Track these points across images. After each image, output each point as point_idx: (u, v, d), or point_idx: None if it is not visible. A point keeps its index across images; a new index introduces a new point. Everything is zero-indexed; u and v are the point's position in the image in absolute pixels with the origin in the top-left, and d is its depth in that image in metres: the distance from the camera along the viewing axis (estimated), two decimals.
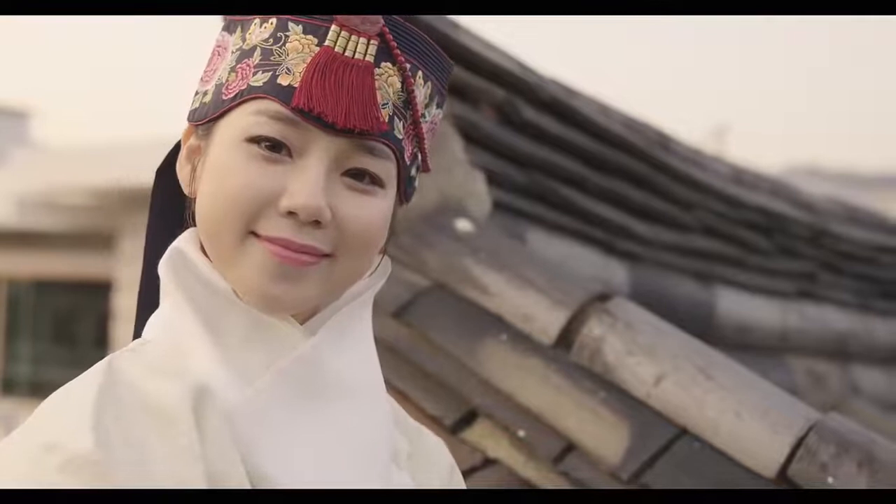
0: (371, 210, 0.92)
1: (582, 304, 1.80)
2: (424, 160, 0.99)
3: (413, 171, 0.98)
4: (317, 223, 0.90)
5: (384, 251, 1.01)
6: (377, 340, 1.03)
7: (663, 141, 3.15)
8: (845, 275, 3.92)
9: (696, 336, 1.84)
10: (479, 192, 2.12)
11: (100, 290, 11.73)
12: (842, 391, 3.40)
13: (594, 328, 1.77)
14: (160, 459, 0.83)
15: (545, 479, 1.67)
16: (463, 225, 1.98)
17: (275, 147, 0.90)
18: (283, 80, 0.90)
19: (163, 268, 0.96)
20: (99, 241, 11.44)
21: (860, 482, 1.54)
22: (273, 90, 0.90)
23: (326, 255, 0.92)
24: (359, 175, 0.92)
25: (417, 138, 0.96)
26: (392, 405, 1.06)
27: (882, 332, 3.94)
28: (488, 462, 1.71)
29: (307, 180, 0.89)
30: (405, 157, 0.95)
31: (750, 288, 3.21)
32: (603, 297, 1.84)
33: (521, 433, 1.70)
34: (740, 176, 3.63)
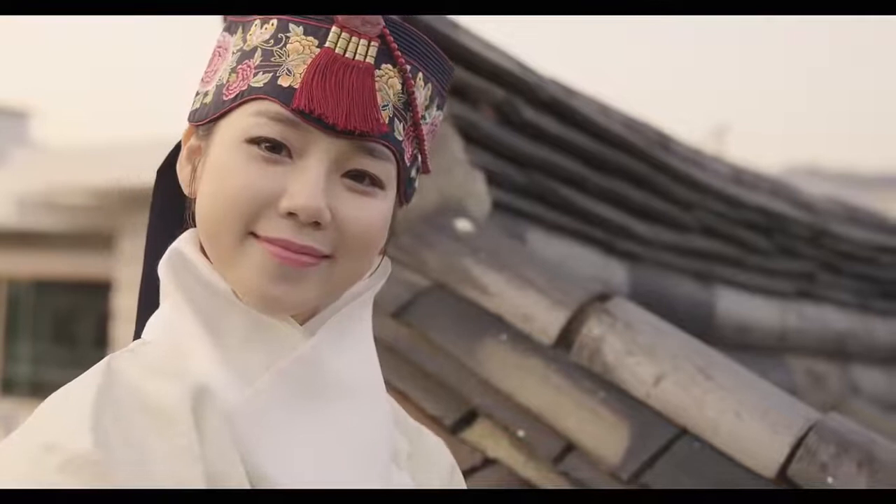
0: (371, 211, 0.93)
1: (582, 304, 1.81)
2: (424, 161, 0.99)
3: (413, 173, 0.98)
4: (317, 224, 0.90)
5: (384, 252, 1.01)
6: (377, 340, 1.03)
7: (663, 141, 3.15)
8: (845, 275, 3.92)
9: (695, 336, 1.84)
10: (478, 192, 2.12)
11: (100, 290, 11.73)
12: (841, 391, 3.40)
13: (594, 328, 1.77)
14: (160, 459, 0.83)
15: (545, 479, 1.67)
16: (463, 225, 1.98)
17: (275, 148, 0.90)
18: (284, 82, 0.90)
19: (162, 269, 0.96)
20: (99, 241, 11.44)
21: (860, 482, 1.54)
22: (273, 91, 0.90)
23: (326, 257, 0.92)
24: (359, 176, 0.92)
25: (417, 140, 0.96)
26: (392, 405, 1.06)
27: (882, 332, 3.94)
28: (488, 462, 1.71)
29: (307, 181, 0.89)
30: (405, 158, 0.95)
31: (749, 288, 3.22)
32: (603, 297, 1.84)
33: (521, 433, 1.70)
34: (740, 176, 3.63)
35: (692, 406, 1.67)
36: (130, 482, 0.80)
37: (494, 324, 1.82)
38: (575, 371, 1.74)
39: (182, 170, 1.00)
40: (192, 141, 0.99)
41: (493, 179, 2.19)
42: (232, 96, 0.92)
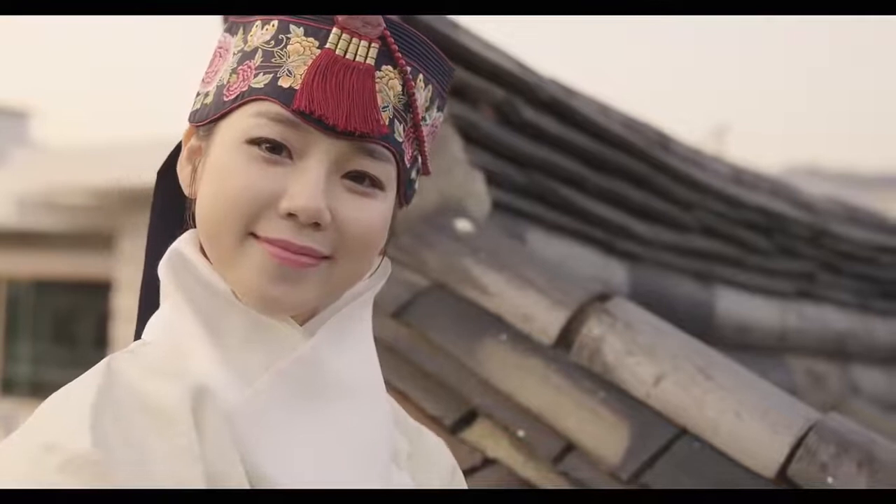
0: (371, 212, 0.93)
1: (581, 304, 1.81)
2: (424, 163, 0.99)
3: (413, 174, 0.98)
4: (316, 225, 0.90)
5: (384, 252, 1.01)
6: (377, 340, 1.03)
7: (663, 141, 3.15)
8: (845, 275, 3.92)
9: (695, 336, 1.84)
10: (478, 193, 2.12)
11: (100, 290, 11.73)
12: (841, 391, 3.40)
13: (594, 328, 1.77)
14: (159, 459, 0.83)
15: (545, 479, 1.67)
16: (463, 225, 1.98)
17: (275, 149, 0.90)
18: (284, 83, 0.90)
19: (162, 269, 0.97)
20: (99, 241, 11.44)
21: (860, 482, 1.54)
22: (274, 92, 0.90)
23: (326, 258, 0.92)
24: (359, 177, 0.92)
25: (418, 141, 0.97)
26: (392, 406, 1.06)
27: (882, 332, 3.94)
28: (488, 462, 1.71)
29: (307, 182, 0.89)
30: (405, 159, 0.95)
31: (749, 288, 3.22)
32: (602, 297, 1.84)
33: (521, 433, 1.70)
34: (740, 176, 3.63)
35: (692, 406, 1.67)
36: (130, 482, 0.80)
37: (494, 324, 1.82)
38: (575, 371, 1.74)
39: (182, 170, 1.00)
40: (193, 141, 0.99)
41: (493, 179, 2.19)
42: (232, 97, 0.93)
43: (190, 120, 0.99)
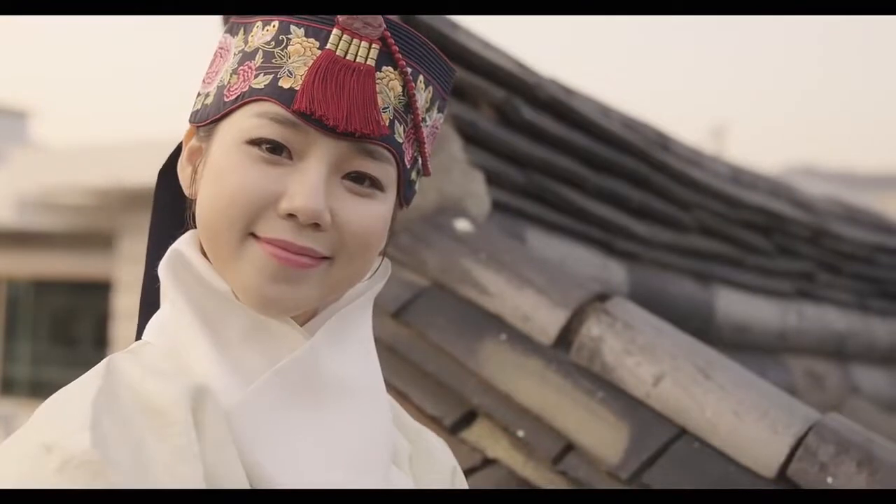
0: (371, 213, 0.93)
1: (581, 304, 1.81)
2: (425, 164, 1.00)
3: (413, 175, 0.98)
4: (316, 226, 0.90)
5: (384, 253, 1.01)
6: (377, 340, 1.03)
7: (662, 141, 3.15)
8: (844, 275, 3.92)
9: (695, 336, 1.84)
10: (478, 192, 2.12)
11: (99, 290, 11.74)
12: (841, 391, 3.40)
13: (593, 328, 1.77)
14: (159, 459, 0.84)
15: (544, 478, 1.67)
16: (462, 225, 1.98)
17: (275, 149, 0.91)
18: (285, 83, 0.90)
19: (162, 269, 0.97)
20: (98, 241, 11.45)
21: (860, 482, 1.54)
22: (274, 93, 0.90)
23: (326, 258, 0.92)
24: (359, 178, 0.92)
25: (418, 142, 0.97)
26: (393, 406, 1.06)
27: (881, 332, 3.94)
28: (487, 462, 1.71)
29: (307, 183, 0.89)
30: (405, 160, 0.95)
31: (749, 288, 3.22)
32: (602, 297, 1.84)
33: (521, 433, 1.71)
34: (739, 176, 3.63)
35: (692, 406, 1.67)
36: (130, 482, 0.80)
37: (494, 324, 1.82)
38: (574, 371, 1.74)
39: (183, 171, 1.00)
40: (193, 142, 0.99)
41: (492, 179, 2.19)
42: (233, 97, 0.93)
43: (190, 120, 0.99)
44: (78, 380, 0.90)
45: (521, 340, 1.79)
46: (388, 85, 0.92)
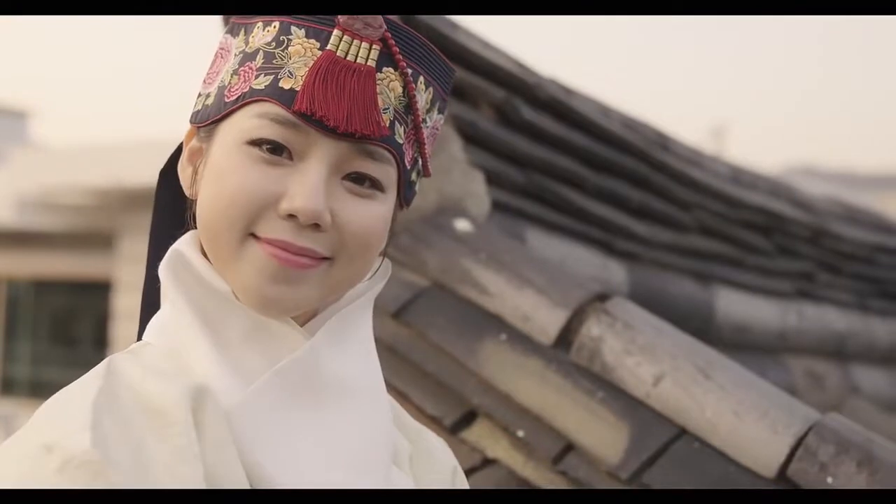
0: (371, 214, 0.93)
1: (581, 303, 1.81)
2: (425, 165, 1.00)
3: (413, 176, 0.98)
4: (316, 226, 0.90)
5: (384, 253, 1.01)
6: (377, 340, 1.03)
7: (662, 141, 3.15)
8: (844, 275, 3.92)
9: (694, 336, 1.84)
10: (478, 192, 2.12)
11: (99, 290, 11.74)
12: (841, 391, 3.40)
13: (593, 328, 1.77)
14: (159, 459, 0.84)
15: (544, 478, 1.67)
16: (462, 225, 1.98)
17: (276, 150, 0.91)
18: (286, 84, 0.90)
19: (163, 270, 0.97)
20: (98, 241, 11.45)
21: (860, 482, 1.54)
22: (275, 93, 0.90)
23: (326, 259, 0.92)
24: (359, 179, 0.92)
25: (418, 143, 0.97)
26: (393, 406, 1.06)
27: (881, 332, 3.94)
28: (487, 462, 1.71)
29: (307, 183, 0.89)
30: (405, 161, 0.95)
31: (749, 288, 3.22)
32: (602, 297, 1.84)
33: (521, 433, 1.71)
34: (739, 176, 3.63)
35: (692, 406, 1.67)
36: (130, 482, 0.80)
37: (494, 324, 1.82)
38: (574, 371, 1.74)
39: (183, 171, 1.00)
40: (194, 142, 0.99)
41: (492, 179, 2.19)
42: (233, 98, 0.93)
43: (191, 121, 0.99)
44: (78, 380, 0.90)
45: (521, 340, 1.79)
46: (389, 86, 0.92)
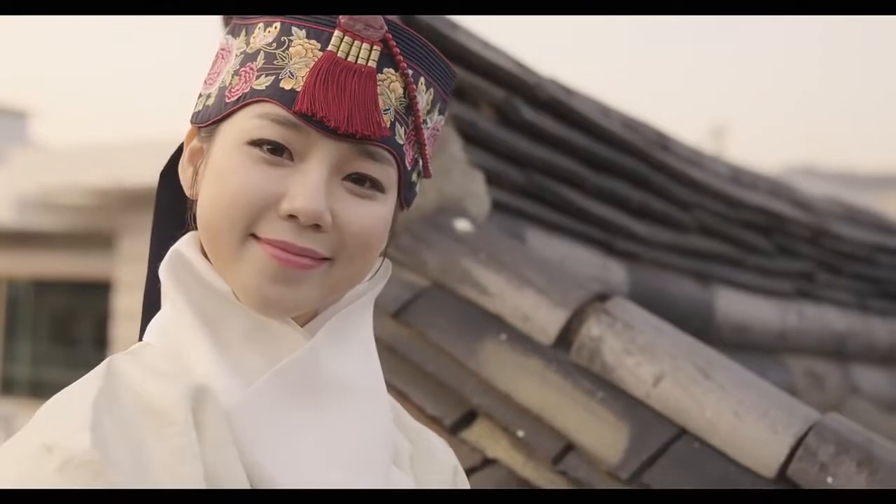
0: (371, 214, 0.93)
1: (581, 303, 1.81)
2: (426, 166, 1.00)
3: (414, 177, 0.98)
4: (317, 227, 0.90)
5: (384, 254, 1.01)
6: (377, 340, 1.03)
7: (662, 141, 3.15)
8: (844, 275, 3.92)
9: (695, 336, 1.85)
10: (478, 192, 2.12)
11: (99, 290, 11.74)
12: (841, 391, 3.40)
13: (593, 328, 1.77)
14: (159, 459, 0.84)
15: (544, 478, 1.67)
16: (462, 225, 1.98)
17: (276, 150, 0.91)
18: (286, 85, 0.90)
19: (163, 270, 0.97)
20: (98, 241, 11.45)
21: (860, 482, 1.54)
22: (276, 94, 0.90)
23: (326, 259, 0.92)
24: (360, 180, 0.92)
25: (419, 144, 0.97)
26: (394, 406, 1.06)
27: (881, 332, 3.94)
28: (487, 462, 1.71)
29: (308, 184, 0.89)
30: (406, 162, 0.95)
31: (749, 288, 3.22)
32: (602, 297, 1.84)
33: (521, 433, 1.71)
34: (739, 176, 3.63)
35: (692, 406, 1.67)
36: (130, 482, 0.81)
37: (494, 324, 1.82)
38: (574, 371, 1.74)
39: (184, 171, 1.00)
40: (195, 143, 0.99)
41: (492, 179, 2.20)
42: (234, 98, 0.93)
43: (192, 121, 0.99)
44: (79, 381, 0.90)
45: (521, 340, 1.79)
46: (390, 87, 0.92)
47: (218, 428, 0.88)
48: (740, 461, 1.63)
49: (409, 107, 0.94)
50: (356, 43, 0.91)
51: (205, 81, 0.99)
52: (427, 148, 0.98)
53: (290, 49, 0.91)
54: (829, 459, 1.57)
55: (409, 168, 0.96)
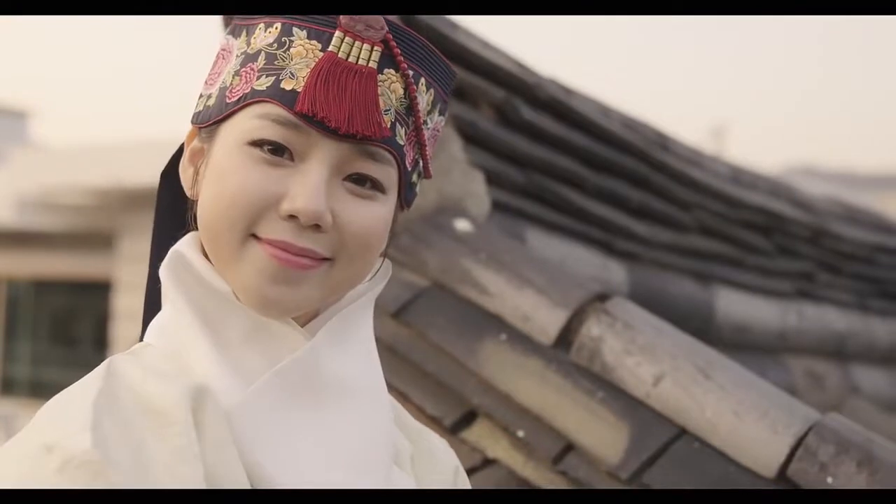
0: (371, 215, 0.93)
1: (581, 303, 1.81)
2: (426, 166, 1.00)
3: (414, 177, 0.98)
4: (317, 227, 0.90)
5: (385, 254, 1.01)
6: (377, 340, 1.03)
7: (662, 141, 3.15)
8: (844, 275, 3.92)
9: (695, 336, 1.85)
10: (478, 192, 2.13)
11: (99, 290, 11.73)
12: (841, 391, 3.40)
13: (593, 328, 1.77)
14: (159, 459, 0.84)
15: (544, 478, 1.67)
16: (462, 225, 1.98)
17: (277, 151, 0.91)
18: (287, 85, 0.90)
19: (163, 271, 0.97)
20: (98, 241, 11.45)
21: (860, 482, 1.54)
22: (277, 94, 0.90)
23: (326, 259, 0.92)
24: (360, 180, 0.92)
25: (419, 144, 0.97)
26: (395, 406, 1.06)
27: (881, 332, 3.94)
28: (488, 462, 1.71)
29: (308, 184, 0.89)
30: (406, 162, 0.95)
31: (749, 288, 3.22)
32: (602, 297, 1.84)
33: (521, 433, 1.71)
34: (739, 176, 3.63)
35: (692, 406, 1.67)
36: (130, 482, 0.81)
37: (494, 324, 1.82)
38: (574, 371, 1.74)
39: (184, 172, 1.00)
40: (195, 143, 0.99)
41: (492, 179, 2.20)
42: (235, 99, 0.93)
43: (192, 121, 0.99)
44: (79, 381, 0.90)
45: (521, 340, 1.79)
46: (390, 87, 0.92)
47: (218, 428, 0.88)
48: (740, 461, 1.63)
49: (410, 107, 0.94)
50: (357, 43, 0.91)
51: (205, 82, 0.99)
52: (427, 148, 0.98)
53: (291, 49, 0.91)
54: (829, 459, 1.57)
55: (410, 168, 0.96)
